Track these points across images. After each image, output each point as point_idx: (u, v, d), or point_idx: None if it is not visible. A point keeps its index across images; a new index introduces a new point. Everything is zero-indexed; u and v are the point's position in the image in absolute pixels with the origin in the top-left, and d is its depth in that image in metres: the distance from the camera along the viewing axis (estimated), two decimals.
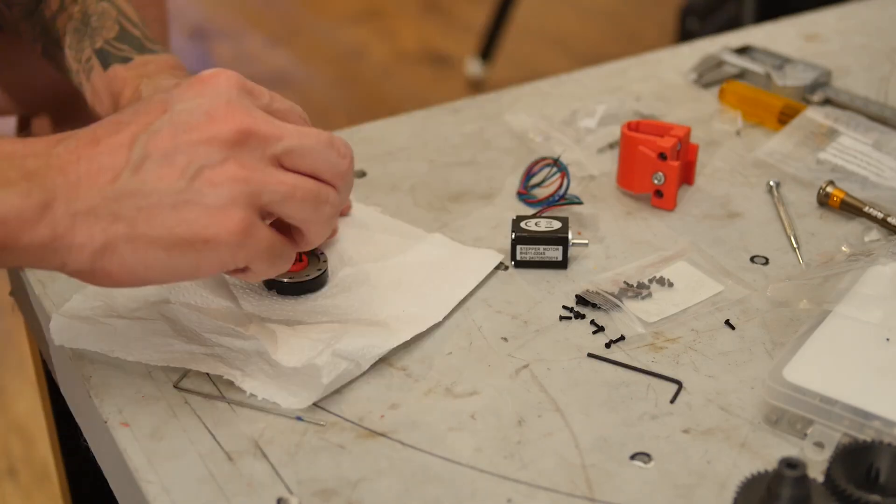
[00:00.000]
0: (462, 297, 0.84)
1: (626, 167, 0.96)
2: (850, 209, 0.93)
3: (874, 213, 0.92)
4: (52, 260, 0.67)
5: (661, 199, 0.95)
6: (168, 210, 0.67)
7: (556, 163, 0.96)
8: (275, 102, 0.73)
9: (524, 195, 0.96)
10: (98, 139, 0.67)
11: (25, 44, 1.01)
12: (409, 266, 0.87)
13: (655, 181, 0.94)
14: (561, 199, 0.93)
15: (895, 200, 0.95)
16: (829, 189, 0.94)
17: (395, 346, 0.79)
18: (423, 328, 0.81)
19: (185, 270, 0.69)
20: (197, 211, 0.67)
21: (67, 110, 1.17)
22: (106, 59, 0.92)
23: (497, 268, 0.88)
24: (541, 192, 0.96)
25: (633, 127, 0.95)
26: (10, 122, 1.27)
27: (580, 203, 0.94)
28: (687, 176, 0.98)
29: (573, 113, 1.07)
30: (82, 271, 0.68)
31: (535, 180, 0.97)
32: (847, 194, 0.94)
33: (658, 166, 0.93)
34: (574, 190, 0.96)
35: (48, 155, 0.66)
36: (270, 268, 0.72)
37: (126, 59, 0.92)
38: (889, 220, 0.91)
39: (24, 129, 1.23)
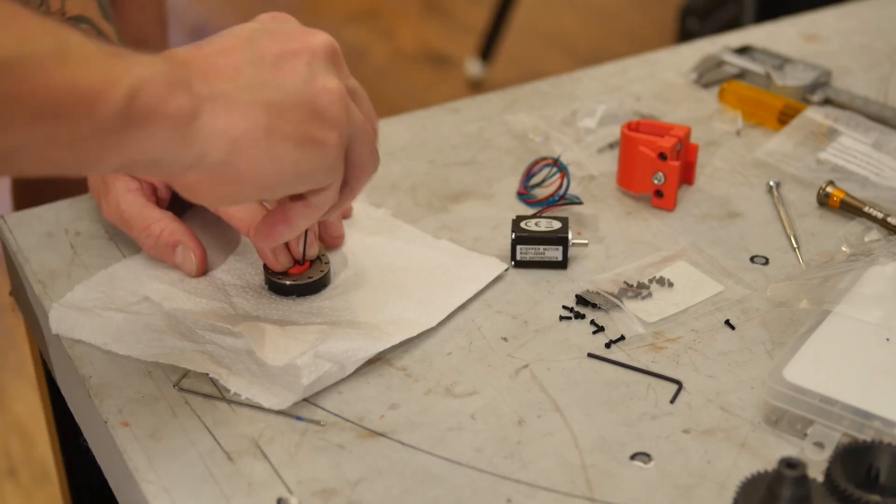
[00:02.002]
0: (459, 305, 0.84)
1: (626, 167, 0.96)
2: (850, 209, 0.93)
3: (874, 213, 0.92)
4: (192, 146, 0.65)
5: (661, 199, 0.95)
6: (296, 105, 0.68)
7: (556, 163, 0.96)
8: None
9: (524, 195, 0.96)
10: (202, 50, 0.67)
11: None
12: (411, 271, 0.87)
13: (655, 181, 0.94)
14: (561, 199, 0.93)
15: (895, 200, 0.95)
16: (829, 189, 0.94)
17: (381, 349, 0.78)
18: (414, 333, 0.80)
19: (306, 171, 0.69)
20: (318, 110, 0.69)
21: None
22: None
23: None
24: (541, 192, 0.96)
25: (633, 127, 0.95)
26: None
27: (580, 203, 0.94)
28: (687, 176, 0.98)
29: (573, 113, 1.07)
30: (217, 165, 0.66)
31: (535, 180, 0.97)
32: (847, 194, 0.94)
33: (658, 166, 0.93)
34: (574, 190, 0.96)
35: (161, 54, 0.66)
36: (338, 192, 0.73)
37: None
38: (889, 220, 0.91)
39: None
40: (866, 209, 0.92)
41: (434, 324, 0.81)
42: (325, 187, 0.72)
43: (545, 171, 0.97)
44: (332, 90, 0.69)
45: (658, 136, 0.94)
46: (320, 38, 0.71)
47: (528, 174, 0.98)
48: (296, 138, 0.68)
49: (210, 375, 0.76)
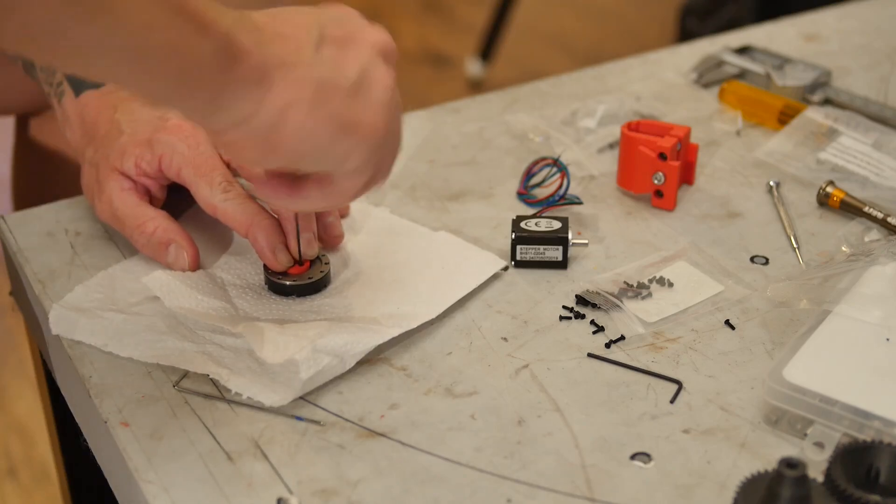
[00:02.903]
0: (458, 299, 0.84)
1: (626, 167, 0.96)
2: (850, 209, 0.93)
3: (874, 213, 0.92)
4: (248, 103, 0.66)
5: (661, 199, 0.95)
6: (344, 94, 0.69)
7: (556, 163, 0.96)
8: None
9: (524, 195, 0.96)
10: (274, 18, 0.68)
11: (9, 60, 1.00)
12: (410, 266, 0.87)
13: (655, 181, 0.94)
14: (561, 199, 0.93)
15: (895, 200, 0.95)
16: (829, 189, 0.94)
17: (381, 342, 0.78)
18: (413, 325, 0.80)
19: (341, 153, 0.70)
20: (370, 101, 0.70)
21: None
22: (78, 85, 0.91)
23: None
24: (541, 192, 0.96)
25: (633, 127, 0.95)
26: (9, 122, 1.26)
27: (580, 203, 0.94)
28: (687, 176, 0.98)
29: (573, 113, 1.07)
30: (260, 128, 0.67)
31: (534, 180, 0.97)
32: (847, 194, 0.94)
33: (658, 166, 0.93)
34: (574, 190, 0.96)
35: (240, 12, 0.67)
36: (368, 183, 0.74)
37: (98, 84, 0.91)
38: (889, 220, 0.91)
39: (22, 129, 1.23)
40: (866, 209, 0.92)
41: (433, 316, 0.81)
42: (350, 176, 0.72)
43: (545, 171, 0.97)
44: (387, 86, 0.71)
45: (658, 136, 0.94)
46: (382, 35, 0.73)
47: (528, 174, 0.98)
48: (340, 122, 0.69)
49: (211, 376, 0.76)
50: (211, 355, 0.78)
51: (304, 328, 0.79)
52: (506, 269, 0.88)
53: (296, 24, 0.69)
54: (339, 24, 0.71)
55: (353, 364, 0.77)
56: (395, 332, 0.79)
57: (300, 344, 0.77)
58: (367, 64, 0.70)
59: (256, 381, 0.75)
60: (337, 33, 0.70)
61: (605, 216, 0.94)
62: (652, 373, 0.78)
